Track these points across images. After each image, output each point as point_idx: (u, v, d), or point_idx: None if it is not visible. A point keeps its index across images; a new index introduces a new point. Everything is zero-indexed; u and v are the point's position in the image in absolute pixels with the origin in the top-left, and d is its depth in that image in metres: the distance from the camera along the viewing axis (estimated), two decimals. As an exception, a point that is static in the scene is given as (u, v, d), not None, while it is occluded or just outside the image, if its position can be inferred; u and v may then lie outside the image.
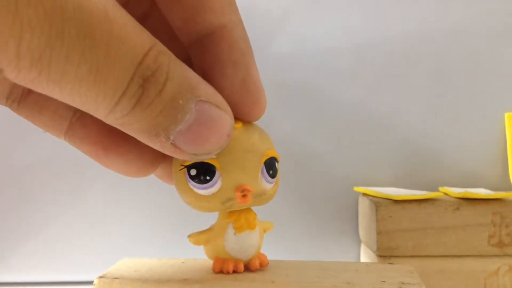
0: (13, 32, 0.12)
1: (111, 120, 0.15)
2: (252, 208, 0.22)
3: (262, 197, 0.21)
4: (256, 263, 0.23)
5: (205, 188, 0.20)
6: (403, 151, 0.44)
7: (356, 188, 0.42)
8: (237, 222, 0.21)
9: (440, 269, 0.36)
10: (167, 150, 0.17)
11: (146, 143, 0.16)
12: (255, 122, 0.22)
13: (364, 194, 0.40)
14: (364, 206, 0.40)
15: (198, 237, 0.23)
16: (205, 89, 0.16)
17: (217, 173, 0.19)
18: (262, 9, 0.44)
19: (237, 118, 0.19)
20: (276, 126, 0.44)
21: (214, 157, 0.19)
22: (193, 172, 0.19)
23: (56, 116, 0.20)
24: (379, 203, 0.36)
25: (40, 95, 0.19)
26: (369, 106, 0.45)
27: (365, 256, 0.40)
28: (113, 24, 0.13)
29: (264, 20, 0.45)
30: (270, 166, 0.20)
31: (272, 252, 0.44)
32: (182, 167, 0.20)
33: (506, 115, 0.44)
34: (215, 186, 0.19)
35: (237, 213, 0.22)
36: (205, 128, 0.16)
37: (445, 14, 0.44)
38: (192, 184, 0.20)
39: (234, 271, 0.22)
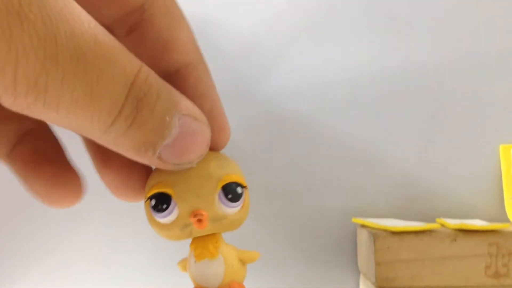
0: (9, 58, 0.12)
1: (105, 140, 0.16)
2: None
3: (223, 222, 0.21)
4: None
5: (164, 217, 0.20)
6: (401, 183, 0.45)
7: (354, 220, 0.42)
8: (196, 249, 0.22)
9: (438, 300, 0.36)
10: (152, 163, 0.18)
11: (134, 158, 0.17)
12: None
13: (363, 226, 0.41)
14: (362, 237, 0.40)
15: (180, 264, 0.23)
16: (186, 103, 0.17)
17: (172, 201, 0.20)
18: (259, 44, 0.46)
19: None
20: (273, 158, 0.45)
21: (195, 166, 0.19)
22: (153, 202, 0.20)
23: (3, 138, 0.20)
24: (377, 235, 0.36)
25: None
26: (366, 138, 0.45)
27: (364, 286, 0.41)
28: (103, 47, 0.14)
29: (261, 55, 0.46)
30: (229, 190, 0.20)
31: (271, 283, 0.44)
32: (147, 199, 0.20)
33: (501, 147, 0.45)
34: (172, 214, 0.20)
35: (197, 240, 0.22)
36: (188, 140, 0.18)
37: (439, 48, 0.46)
38: (154, 214, 0.20)
39: None
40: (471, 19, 0.46)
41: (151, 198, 0.20)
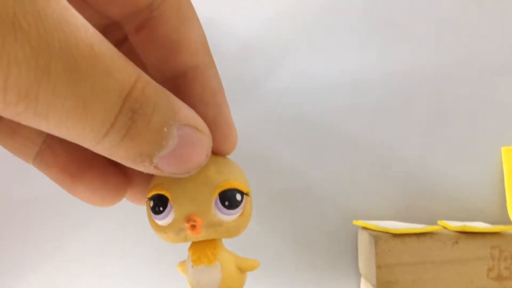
0: (0, 67, 0.12)
1: (100, 150, 0.15)
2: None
3: (218, 229, 0.20)
4: None
5: (161, 219, 0.20)
6: (402, 185, 0.45)
7: (355, 222, 0.42)
8: (194, 254, 0.21)
9: (440, 303, 0.36)
10: (149, 171, 0.17)
11: (130, 166, 0.17)
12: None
13: (364, 228, 0.41)
14: (363, 240, 0.40)
15: (180, 266, 0.23)
16: (186, 113, 0.17)
17: (169, 205, 0.20)
18: (261, 46, 0.46)
19: None
20: (275, 161, 0.45)
21: (192, 173, 0.19)
22: (151, 203, 0.20)
23: (27, 141, 0.20)
24: (379, 237, 0.36)
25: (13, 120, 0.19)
26: (368, 141, 0.45)
27: (365, 290, 0.40)
28: (99, 58, 0.14)
29: (263, 57, 0.46)
30: (226, 197, 0.20)
31: (271, 285, 0.44)
32: (147, 199, 0.20)
33: (503, 149, 0.44)
34: (168, 217, 0.20)
35: (196, 244, 0.21)
36: (186, 151, 0.17)
37: (441, 51, 0.46)
38: (152, 215, 0.20)
39: None
40: (472, 23, 0.46)
41: (150, 199, 0.20)
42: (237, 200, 0.20)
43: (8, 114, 0.13)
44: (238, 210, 0.20)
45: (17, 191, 0.45)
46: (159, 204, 0.20)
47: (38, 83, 0.13)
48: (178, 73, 0.19)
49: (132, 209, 0.43)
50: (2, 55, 0.12)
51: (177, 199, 0.20)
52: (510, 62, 0.45)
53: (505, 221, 0.43)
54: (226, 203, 0.20)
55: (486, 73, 0.45)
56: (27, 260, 0.45)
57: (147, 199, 0.20)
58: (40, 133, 0.20)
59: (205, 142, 0.18)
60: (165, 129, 0.16)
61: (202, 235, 0.20)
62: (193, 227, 0.20)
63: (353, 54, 0.46)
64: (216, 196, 0.20)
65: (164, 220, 0.20)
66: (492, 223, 0.42)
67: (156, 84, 0.16)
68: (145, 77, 0.16)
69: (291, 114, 0.45)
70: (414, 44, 0.46)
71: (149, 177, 0.21)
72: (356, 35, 0.46)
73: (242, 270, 0.23)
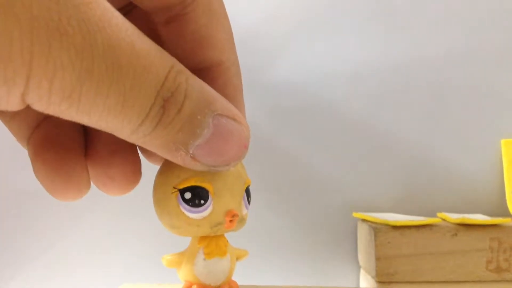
0: (46, 71, 0.12)
1: (133, 139, 0.16)
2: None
3: (242, 223, 0.21)
4: None
5: (197, 212, 0.20)
6: (402, 178, 0.45)
7: (355, 214, 0.42)
8: (208, 247, 0.21)
9: (439, 295, 0.36)
10: (187, 163, 0.17)
11: (167, 157, 0.17)
12: None
13: (363, 220, 0.41)
14: (363, 232, 0.40)
15: (170, 259, 0.23)
16: (222, 103, 0.17)
17: (210, 198, 0.19)
18: (262, 36, 0.45)
19: None
20: (275, 152, 0.45)
21: (233, 168, 0.19)
22: (188, 195, 0.19)
23: (23, 124, 0.20)
24: (378, 229, 0.36)
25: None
26: (368, 133, 0.45)
27: (365, 281, 0.40)
28: (140, 55, 0.14)
29: (264, 47, 0.45)
30: (249, 193, 0.21)
31: (271, 277, 0.44)
32: (175, 190, 0.20)
33: (503, 141, 0.44)
34: (206, 210, 0.20)
35: (209, 238, 0.22)
36: (222, 141, 0.17)
37: (441, 41, 0.45)
38: (185, 208, 0.20)
39: None
40: (473, 12, 0.45)
41: (185, 190, 0.20)
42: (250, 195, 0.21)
43: (51, 112, 0.14)
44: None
45: (16, 182, 0.45)
46: (199, 196, 0.19)
47: (81, 84, 0.13)
48: (202, 67, 0.19)
49: (129, 200, 0.44)
50: (49, 60, 0.12)
51: (219, 192, 0.20)
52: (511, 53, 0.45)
53: (504, 213, 0.43)
54: (249, 198, 0.21)
55: (486, 65, 0.45)
56: (26, 251, 0.45)
57: (175, 190, 0.20)
58: (37, 115, 0.20)
59: (243, 133, 0.18)
60: (199, 117, 0.16)
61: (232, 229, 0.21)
62: (232, 221, 0.20)
63: (354, 44, 0.46)
64: (244, 191, 0.20)
65: (201, 213, 0.20)
66: (491, 215, 0.42)
67: (189, 73, 0.16)
68: (178, 66, 0.16)
69: (291, 105, 0.45)
70: (415, 34, 0.45)
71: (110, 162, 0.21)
72: (357, 25, 0.46)
73: (237, 259, 0.24)
